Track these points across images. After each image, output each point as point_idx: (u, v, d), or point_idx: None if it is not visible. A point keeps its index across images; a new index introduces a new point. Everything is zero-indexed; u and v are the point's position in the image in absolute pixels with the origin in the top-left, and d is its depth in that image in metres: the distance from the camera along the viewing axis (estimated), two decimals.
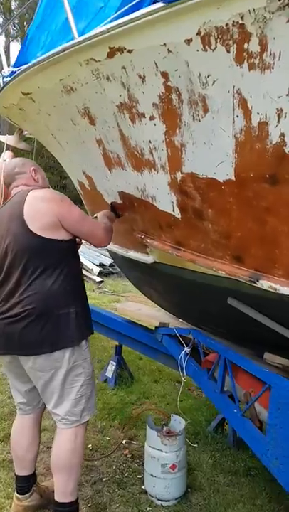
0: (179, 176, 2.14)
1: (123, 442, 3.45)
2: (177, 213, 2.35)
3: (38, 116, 3.05)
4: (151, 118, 2.06)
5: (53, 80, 2.42)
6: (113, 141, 2.46)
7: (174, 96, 1.86)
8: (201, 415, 3.93)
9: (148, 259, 3.07)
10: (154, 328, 3.96)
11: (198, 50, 1.63)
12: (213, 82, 1.67)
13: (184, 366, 3.22)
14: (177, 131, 1.97)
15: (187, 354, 3.27)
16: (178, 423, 2.97)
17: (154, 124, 2.07)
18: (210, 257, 2.30)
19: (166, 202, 2.38)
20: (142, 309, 4.39)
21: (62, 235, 2.26)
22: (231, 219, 2.00)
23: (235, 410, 2.56)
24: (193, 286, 2.79)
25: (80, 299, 2.35)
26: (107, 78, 2.10)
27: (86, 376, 2.31)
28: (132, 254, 3.26)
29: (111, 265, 10.86)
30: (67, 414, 2.29)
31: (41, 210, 2.21)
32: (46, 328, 2.18)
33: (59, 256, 2.26)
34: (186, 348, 3.27)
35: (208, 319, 3.20)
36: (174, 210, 2.37)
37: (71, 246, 2.34)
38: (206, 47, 1.60)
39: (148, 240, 2.80)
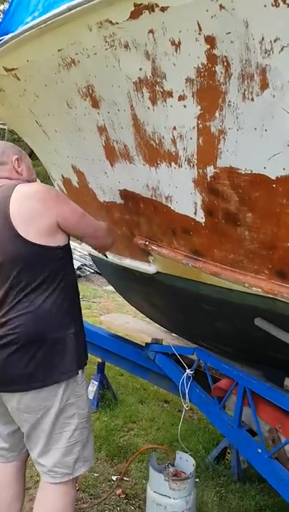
0: (210, 171, 1.75)
1: (114, 479, 3.01)
2: (200, 217, 1.96)
3: (21, 99, 2.59)
4: (181, 98, 1.66)
5: (49, 50, 1.98)
6: (122, 128, 2.04)
7: (219, 68, 1.47)
8: (197, 442, 3.55)
9: (149, 268, 2.66)
10: (144, 345, 3.55)
11: (265, 6, 1.25)
12: (282, 49, 1.29)
13: (187, 392, 2.82)
14: (217, 114, 1.58)
15: (190, 378, 2.88)
16: (185, 461, 2.56)
17: (184, 106, 1.67)
18: (241, 271, 1.92)
19: (187, 203, 1.98)
20: (130, 322, 3.97)
21: (59, 240, 1.85)
22: (280, 225, 1.62)
23: (259, 450, 2.18)
24: (208, 302, 2.40)
25: (78, 317, 1.93)
26: (126, 46, 1.68)
27: (81, 418, 1.87)
28: (128, 263, 2.84)
29: (79, 268, 10.35)
30: (56, 466, 1.85)
31: (35, 211, 1.78)
32: (37, 358, 1.74)
33: (56, 266, 1.84)
34: (188, 371, 2.90)
35: (218, 339, 2.82)
36: (195, 213, 1.97)
37: (69, 252, 1.92)
38: (279, 1, 1.22)
39: (154, 248, 2.39)
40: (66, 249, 1.90)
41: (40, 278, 1.79)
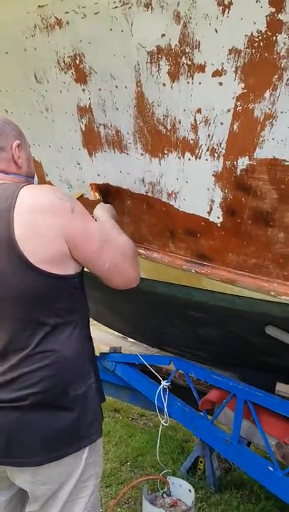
0: (243, 163, 1.48)
1: None
2: (216, 217, 1.68)
3: None
4: (218, 73, 1.36)
5: (24, 6, 1.54)
6: (117, 109, 1.67)
7: (281, 38, 1.20)
8: (162, 453, 3.31)
9: None
10: (99, 355, 3.22)
11: None
12: None
13: (165, 406, 2.56)
14: (267, 94, 1.31)
15: (166, 390, 2.62)
16: (178, 487, 2.31)
17: (220, 84, 1.37)
18: (264, 277, 1.69)
19: (199, 201, 1.70)
20: None
21: (74, 267, 1.45)
22: None
23: (270, 468, 2.00)
24: (200, 308, 2.16)
25: (94, 357, 1.55)
26: (147, 5, 1.34)
27: (97, 478, 1.52)
28: None
29: None
30: None
31: (46, 231, 1.36)
32: (57, 421, 1.38)
33: (73, 300, 1.46)
34: (164, 383, 2.63)
35: (196, 345, 2.60)
36: (209, 213, 1.70)
37: (82, 280, 1.52)
38: None
39: (140, 251, 2.06)
40: (81, 277, 1.50)
41: (55, 317, 1.39)
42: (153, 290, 2.34)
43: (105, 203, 2.00)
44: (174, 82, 1.47)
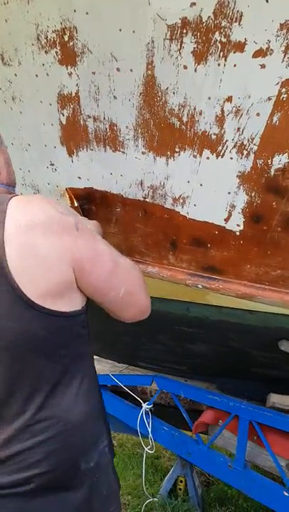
0: (280, 161, 1.26)
1: None
2: (235, 224, 1.45)
3: None
4: (261, 53, 1.12)
5: None
6: (115, 98, 1.37)
7: None
8: (135, 475, 3.05)
9: None
10: None
11: None
12: None
13: (150, 432, 2.31)
14: None
15: (148, 413, 2.37)
16: None
17: (262, 66, 1.13)
18: None
19: (215, 206, 1.46)
20: None
21: (80, 300, 1.14)
22: None
23: (286, 493, 1.83)
24: (197, 324, 1.93)
25: (104, 409, 1.26)
26: None
27: None
28: None
29: None
30: None
31: (48, 256, 1.04)
32: (68, 503, 1.10)
33: (79, 344, 1.16)
34: (145, 406, 2.38)
35: (177, 359, 2.37)
36: (227, 220, 1.46)
37: (87, 317, 1.19)
38: None
39: (140, 267, 1.76)
40: (86, 313, 1.18)
41: (60, 368, 1.10)
42: None
43: (82, 210, 1.68)
44: (199, 63, 1.20)
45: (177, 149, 1.40)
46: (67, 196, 1.77)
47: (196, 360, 2.35)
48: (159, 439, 2.33)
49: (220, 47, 1.15)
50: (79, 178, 1.69)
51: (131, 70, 1.29)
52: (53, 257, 1.03)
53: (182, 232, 1.60)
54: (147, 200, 1.59)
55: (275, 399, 2.17)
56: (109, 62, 1.30)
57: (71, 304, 1.09)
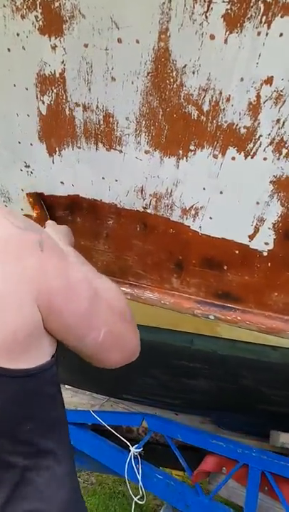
0: None
1: None
2: (263, 242, 1.17)
3: None
4: None
5: None
6: (114, 79, 1.06)
7: None
8: None
9: None
10: None
11: None
12: None
13: (140, 480, 1.99)
14: None
15: (137, 458, 2.05)
16: None
17: None
18: None
19: (239, 220, 1.16)
20: None
21: (48, 348, 0.85)
22: None
23: None
24: (203, 359, 1.63)
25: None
26: None
27: None
28: None
29: None
30: None
31: (3, 291, 0.74)
32: None
33: (50, 409, 0.88)
34: (133, 449, 2.06)
35: (181, 396, 2.06)
36: (252, 237, 1.18)
37: (57, 367, 0.89)
38: None
39: (125, 290, 1.46)
40: (56, 359, 0.87)
41: (28, 447, 0.82)
42: None
43: (64, 222, 1.36)
44: (231, 32, 0.90)
45: (192, 147, 1.09)
46: (28, 202, 1.45)
47: (192, 396, 2.04)
48: (151, 488, 2.01)
49: (262, 8, 0.85)
50: (61, 183, 1.36)
51: (137, 42, 0.98)
52: (10, 293, 0.74)
53: (191, 251, 1.30)
54: (148, 211, 1.28)
55: (285, 439, 1.88)
56: (107, 30, 0.99)
57: (37, 355, 0.80)
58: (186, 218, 1.23)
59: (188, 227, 1.25)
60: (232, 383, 1.75)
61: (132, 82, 1.05)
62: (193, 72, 0.98)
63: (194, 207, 1.20)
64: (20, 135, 1.30)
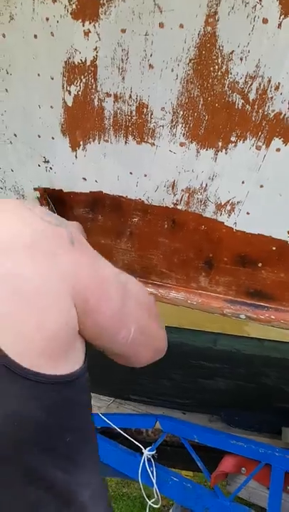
0: None
1: None
2: None
3: None
4: None
5: None
6: (152, 67, 1.00)
7: None
8: None
9: None
10: None
11: None
12: None
13: (155, 483, 1.94)
14: None
15: (150, 460, 2.01)
16: None
17: None
18: None
19: (279, 215, 1.12)
20: None
21: (81, 353, 0.79)
22: None
23: None
24: (228, 359, 1.59)
25: None
26: None
27: None
28: None
29: None
30: None
31: (39, 292, 0.68)
32: None
33: (85, 421, 0.83)
34: (146, 452, 2.01)
35: (194, 395, 2.02)
36: None
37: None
38: None
39: (149, 290, 1.40)
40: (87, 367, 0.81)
41: (68, 462, 0.76)
42: None
43: (84, 220, 1.30)
44: (286, 16, 0.84)
45: (233, 138, 1.04)
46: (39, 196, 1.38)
47: (205, 395, 2.00)
48: (167, 492, 1.95)
49: None
50: (84, 179, 1.29)
51: (181, 26, 0.92)
52: (49, 291, 0.69)
53: (224, 248, 1.25)
54: (179, 207, 1.22)
55: None
56: (149, 14, 0.93)
57: (74, 359, 0.75)
58: (221, 214, 1.18)
59: (222, 223, 1.19)
60: (252, 382, 1.71)
61: (172, 70, 0.99)
62: (241, 59, 0.93)
63: (230, 202, 1.15)
64: (40, 128, 1.23)
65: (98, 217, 1.37)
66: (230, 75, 0.96)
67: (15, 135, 1.29)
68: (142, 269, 1.42)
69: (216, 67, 0.95)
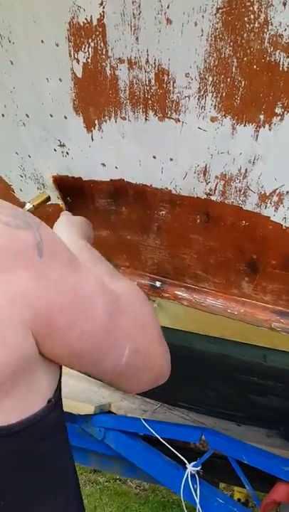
0: None
1: None
2: None
3: None
4: None
5: None
6: (170, 22, 0.79)
7: None
8: None
9: None
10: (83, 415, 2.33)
11: None
12: None
13: (198, 503, 1.76)
14: None
15: (195, 476, 1.83)
16: None
17: None
18: None
19: None
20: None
21: (44, 387, 0.62)
22: None
23: None
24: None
25: None
26: None
27: None
28: None
29: None
30: None
31: None
32: None
33: (43, 474, 0.64)
34: (190, 467, 1.84)
35: (245, 409, 1.81)
36: None
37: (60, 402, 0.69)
38: None
39: (179, 294, 1.21)
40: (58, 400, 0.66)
41: None
42: (187, 345, 1.49)
43: (107, 213, 1.13)
44: None
45: (279, 110, 0.82)
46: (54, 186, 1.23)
47: (259, 411, 1.78)
48: None
49: None
50: (103, 165, 1.12)
51: None
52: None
53: (271, 249, 1.03)
54: (213, 198, 1.02)
55: None
56: None
57: (28, 399, 0.60)
58: (266, 207, 0.96)
59: (268, 218, 0.98)
60: None
61: (196, 24, 0.78)
62: (285, 3, 0.70)
63: (278, 192, 0.93)
64: (52, 106, 1.08)
65: (122, 210, 1.20)
66: (270, 27, 0.74)
67: (27, 115, 1.15)
68: (174, 269, 1.24)
69: (252, 16, 0.74)
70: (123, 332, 0.67)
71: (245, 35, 0.76)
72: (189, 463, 1.90)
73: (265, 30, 0.74)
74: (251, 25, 0.75)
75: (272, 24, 0.73)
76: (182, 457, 1.90)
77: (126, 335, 0.67)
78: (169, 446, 1.94)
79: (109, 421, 2.22)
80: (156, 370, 0.75)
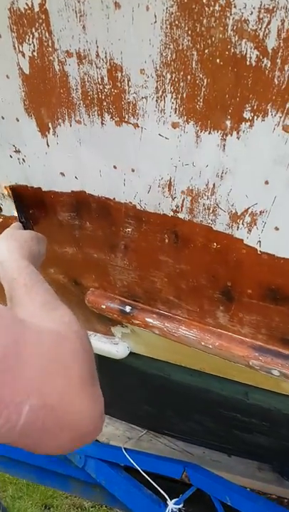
0: None
1: None
2: None
3: None
4: None
5: None
6: (118, 6, 0.64)
7: None
8: None
9: (116, 349, 1.33)
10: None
11: None
12: None
13: None
14: None
15: None
16: None
17: None
18: None
19: None
20: None
21: None
22: None
23: None
24: (265, 416, 1.20)
25: None
26: None
27: None
28: None
29: None
30: None
31: None
32: None
33: None
34: (171, 505, 1.69)
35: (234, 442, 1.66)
36: None
37: None
38: None
39: (150, 321, 1.07)
40: None
41: None
42: (165, 376, 1.34)
43: (71, 228, 1.00)
44: None
45: (248, 114, 0.68)
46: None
47: (248, 447, 1.63)
48: None
49: None
50: (62, 174, 0.99)
51: None
52: None
53: (246, 276, 0.89)
54: (180, 215, 0.88)
55: None
56: None
57: None
58: (238, 228, 0.82)
59: (241, 241, 0.84)
60: None
61: (147, 8, 0.66)
62: None
63: (250, 211, 0.79)
64: (1, 107, 0.95)
65: (86, 225, 1.07)
66: (234, 10, 0.60)
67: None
68: (145, 293, 1.10)
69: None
70: (24, 382, 0.52)
71: (204, 21, 0.63)
72: (172, 496, 1.75)
73: (228, 15, 0.61)
74: (211, 9, 0.61)
75: (235, 6, 0.60)
76: (163, 492, 1.75)
77: (28, 386, 0.53)
78: (151, 480, 1.80)
79: (90, 448, 2.09)
80: (77, 429, 0.59)
